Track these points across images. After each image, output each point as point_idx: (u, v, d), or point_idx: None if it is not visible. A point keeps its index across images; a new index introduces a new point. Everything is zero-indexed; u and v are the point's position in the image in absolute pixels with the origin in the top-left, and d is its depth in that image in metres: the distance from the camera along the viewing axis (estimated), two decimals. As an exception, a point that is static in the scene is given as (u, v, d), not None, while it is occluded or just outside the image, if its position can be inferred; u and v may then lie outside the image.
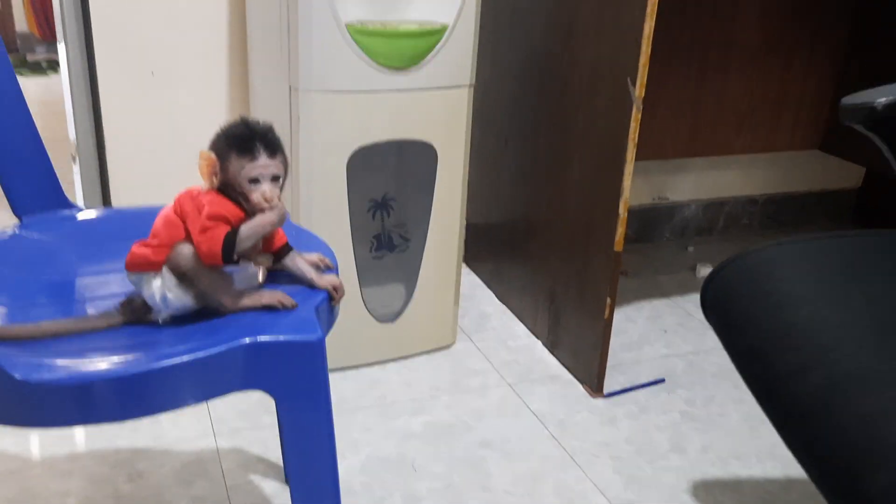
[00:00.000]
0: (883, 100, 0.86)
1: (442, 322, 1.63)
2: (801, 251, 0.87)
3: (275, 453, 1.31)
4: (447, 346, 1.65)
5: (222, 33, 1.66)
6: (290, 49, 1.34)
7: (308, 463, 0.76)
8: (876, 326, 0.74)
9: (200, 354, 0.70)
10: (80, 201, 1.74)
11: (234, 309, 0.78)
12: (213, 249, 0.75)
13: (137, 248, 0.78)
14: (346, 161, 1.40)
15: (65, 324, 0.77)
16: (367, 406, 1.45)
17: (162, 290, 0.77)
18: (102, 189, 1.71)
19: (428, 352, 1.63)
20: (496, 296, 1.87)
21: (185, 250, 0.76)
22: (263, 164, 0.77)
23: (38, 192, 0.97)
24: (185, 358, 0.69)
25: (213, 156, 0.76)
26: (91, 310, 0.80)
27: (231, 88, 1.71)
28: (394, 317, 1.57)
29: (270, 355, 0.73)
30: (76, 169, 1.72)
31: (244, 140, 0.77)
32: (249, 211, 0.78)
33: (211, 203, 0.76)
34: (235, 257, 0.77)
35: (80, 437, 1.34)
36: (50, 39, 4.17)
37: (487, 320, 1.77)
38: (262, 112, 1.59)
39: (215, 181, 0.76)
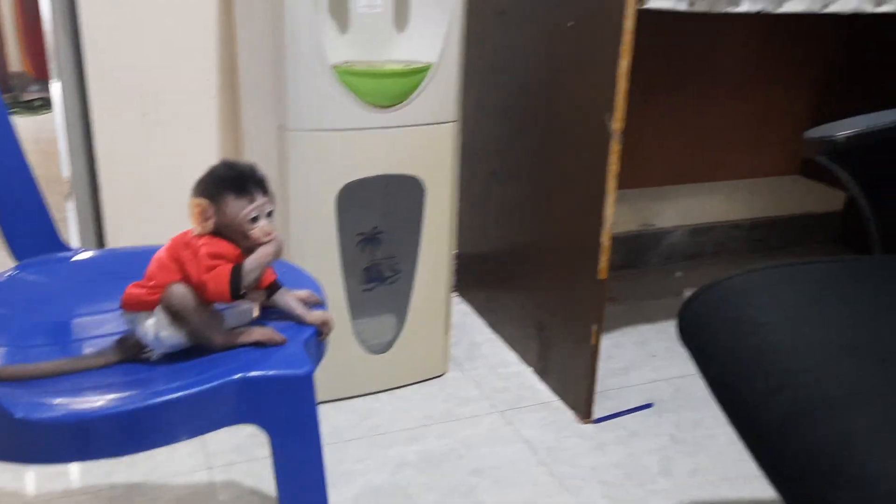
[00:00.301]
0: (843, 133, 0.90)
1: (433, 352, 1.66)
2: (769, 279, 0.91)
3: (269, 485, 1.33)
4: (439, 376, 1.68)
5: (213, 75, 1.71)
6: (280, 90, 1.38)
7: (299, 494, 0.78)
8: (840, 351, 0.77)
9: (194, 390, 0.73)
10: (74, 240, 1.77)
11: (224, 346, 0.81)
12: (221, 287, 0.78)
13: (133, 290, 0.81)
14: (335, 196, 1.44)
15: (63, 363, 0.80)
16: (361, 436, 1.47)
17: (156, 328, 0.80)
18: (97, 228, 1.75)
19: (420, 381, 1.66)
20: (487, 324, 1.90)
21: (178, 290, 0.79)
22: (260, 202, 0.81)
23: (35, 236, 1.00)
24: (180, 394, 0.72)
25: (204, 201, 0.80)
26: (88, 349, 0.83)
27: (223, 129, 1.75)
28: (385, 348, 1.60)
29: (261, 390, 0.76)
30: (71, 207, 1.75)
31: (239, 182, 0.81)
32: (246, 248, 0.81)
33: (207, 244, 0.79)
34: (242, 292, 0.80)
35: (75, 472, 1.36)
36: (43, 78, 4.22)
37: (478, 349, 1.80)
38: (253, 151, 1.63)
39: (208, 225, 0.80)
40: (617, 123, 1.34)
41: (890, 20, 1.85)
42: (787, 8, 1.39)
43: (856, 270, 0.95)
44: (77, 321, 0.90)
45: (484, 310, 1.92)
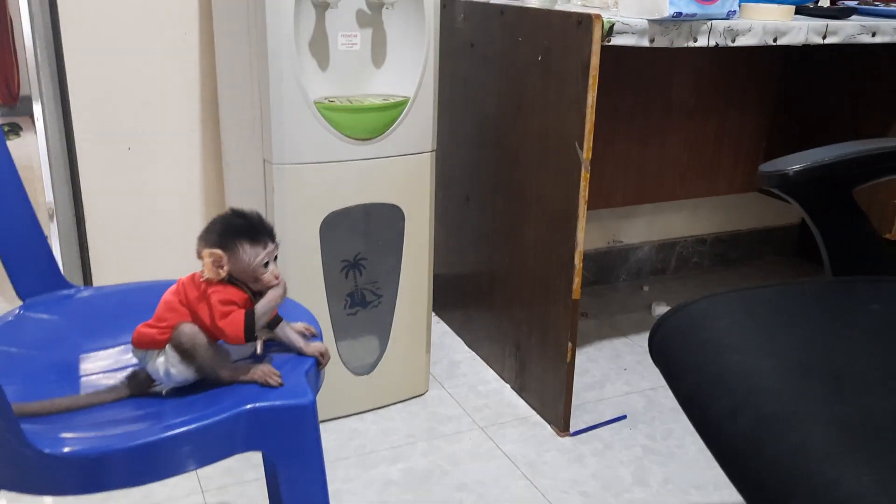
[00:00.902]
0: (795, 167, 0.99)
1: (415, 372, 1.72)
2: (732, 303, 0.99)
3: (262, 507, 1.38)
4: (421, 395, 1.74)
5: (195, 110, 1.76)
6: (263, 126, 1.44)
7: (304, 515, 0.84)
8: (797, 370, 0.85)
9: (205, 422, 0.78)
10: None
11: (231, 381, 0.87)
12: (237, 332, 0.84)
13: (144, 329, 0.86)
14: (318, 225, 1.50)
15: (76, 399, 0.85)
16: (347, 456, 1.53)
17: (165, 365, 0.85)
18: (82, 261, 1.78)
19: (403, 401, 1.71)
20: (465, 343, 1.96)
21: (187, 329, 0.85)
22: (271, 249, 0.88)
23: (39, 274, 1.04)
24: (192, 426, 0.78)
25: (218, 251, 0.85)
26: (99, 384, 0.88)
27: (204, 162, 1.80)
28: (369, 369, 1.65)
29: (268, 419, 0.81)
30: (55, 243, 1.79)
31: (253, 231, 0.87)
32: (255, 291, 0.87)
33: (217, 291, 0.85)
34: (256, 335, 0.86)
35: (70, 499, 1.39)
36: (10, 103, 4.20)
37: (458, 367, 1.86)
38: (235, 184, 1.68)
39: (222, 273, 0.85)
40: (587, 153, 1.42)
41: (834, 51, 1.96)
42: (740, 42, 1.48)
43: (807, 293, 1.03)
44: (85, 358, 0.95)
45: (461, 329, 1.99)
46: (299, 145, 1.44)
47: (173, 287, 0.88)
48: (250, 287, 0.88)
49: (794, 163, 0.99)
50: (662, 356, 0.99)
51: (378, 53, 1.53)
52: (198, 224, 1.83)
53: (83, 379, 0.91)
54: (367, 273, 1.59)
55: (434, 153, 1.58)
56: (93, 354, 0.96)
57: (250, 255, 0.87)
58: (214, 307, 0.84)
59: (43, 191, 1.75)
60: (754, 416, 0.80)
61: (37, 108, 1.69)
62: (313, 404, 0.84)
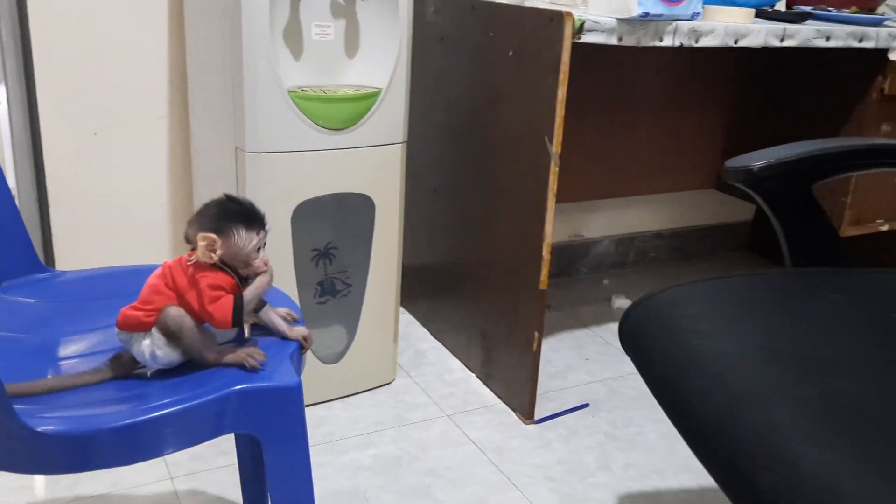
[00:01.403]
0: (759, 163, 1.04)
1: (382, 360, 1.74)
2: (699, 291, 1.03)
3: (232, 492, 1.39)
4: (388, 383, 1.76)
5: (163, 96, 1.75)
6: (236, 113, 1.44)
7: (290, 495, 0.86)
8: (762, 355, 0.90)
9: (195, 402, 0.79)
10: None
11: (216, 363, 0.88)
12: (226, 317, 0.86)
13: (130, 312, 0.87)
14: (290, 214, 1.51)
15: (61, 380, 0.85)
16: (317, 443, 1.54)
17: (151, 348, 0.86)
18: (45, 245, 1.76)
19: (370, 389, 1.73)
20: (430, 333, 1.99)
21: (174, 312, 0.86)
22: (262, 235, 0.89)
23: (17, 257, 1.04)
24: (183, 406, 0.79)
25: (212, 235, 0.86)
26: (82, 366, 0.88)
27: (172, 149, 1.79)
28: (337, 357, 1.67)
29: (256, 401, 0.83)
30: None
31: (249, 217, 0.89)
32: (244, 276, 0.89)
33: (206, 276, 0.86)
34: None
35: (39, 485, 1.38)
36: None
37: (424, 356, 1.89)
38: (204, 171, 1.67)
39: (214, 257, 0.86)
40: (556, 147, 1.46)
41: (790, 54, 2.03)
42: (703, 42, 1.53)
43: (770, 283, 1.08)
44: (67, 340, 0.95)
45: (427, 319, 2.02)
46: (272, 134, 1.44)
47: (158, 270, 0.89)
48: (238, 272, 0.89)
49: (759, 159, 1.04)
50: (633, 343, 1.03)
51: (351, 44, 1.55)
52: (164, 210, 1.82)
53: (66, 361, 0.91)
54: (337, 262, 1.61)
55: (405, 144, 1.60)
56: (74, 337, 0.96)
57: (244, 240, 0.88)
58: (203, 291, 0.85)
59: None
60: (723, 397, 0.85)
61: (1, 91, 1.67)
62: (300, 386, 0.86)
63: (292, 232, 1.52)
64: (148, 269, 1.07)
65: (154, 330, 0.86)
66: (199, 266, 0.87)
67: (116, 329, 0.88)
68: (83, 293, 1.05)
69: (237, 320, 0.86)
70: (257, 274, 0.89)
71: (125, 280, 1.09)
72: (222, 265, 0.88)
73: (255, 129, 1.43)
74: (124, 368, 0.88)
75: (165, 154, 1.79)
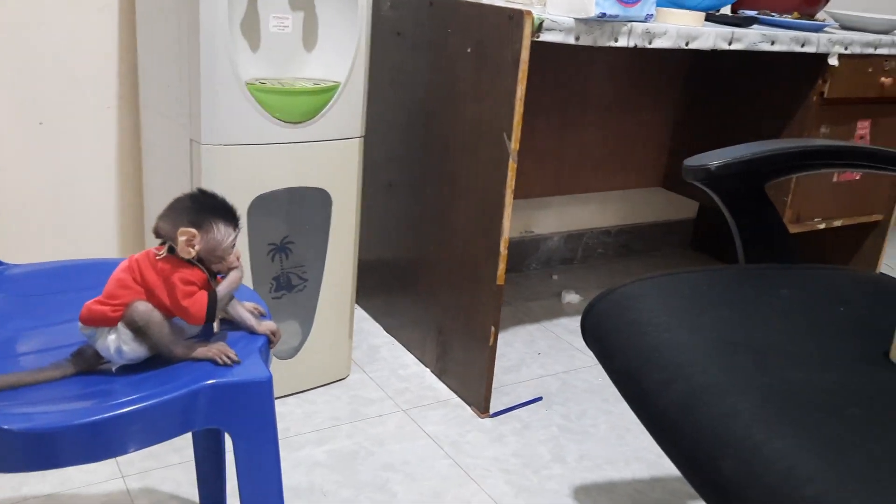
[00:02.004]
0: (716, 162, 1.07)
1: (337, 356, 1.73)
2: (658, 286, 1.06)
3: (188, 490, 1.37)
4: (342, 379, 1.76)
5: (112, 86, 1.70)
6: (192, 105, 1.42)
7: (259, 490, 0.85)
8: (722, 346, 0.93)
9: (165, 398, 0.78)
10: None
11: (184, 358, 0.87)
12: (201, 312, 0.85)
13: (95, 306, 0.85)
14: (246, 208, 1.49)
15: (21, 376, 0.83)
16: (273, 439, 1.53)
17: (117, 343, 0.84)
18: (-14, 238, 1.70)
19: (325, 385, 1.73)
20: (384, 329, 1.99)
21: (141, 307, 0.84)
22: (237, 230, 0.89)
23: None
24: (152, 401, 0.77)
25: (192, 230, 0.85)
26: (41, 362, 0.86)
27: (122, 139, 1.75)
28: (292, 353, 1.66)
29: (227, 395, 0.82)
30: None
31: (228, 211, 0.88)
32: (216, 271, 0.87)
33: (177, 272, 0.85)
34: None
35: (-16, 489, 1.34)
36: None
37: (378, 352, 1.89)
38: (157, 163, 1.64)
39: (192, 252, 0.85)
40: (515, 144, 1.48)
41: (735, 57, 2.10)
42: (657, 44, 1.57)
43: (726, 279, 1.12)
44: (24, 335, 0.92)
45: (380, 314, 2.02)
46: (229, 126, 1.43)
47: (125, 264, 0.87)
48: (209, 268, 0.88)
49: (716, 158, 1.07)
50: (595, 336, 1.05)
51: (309, 37, 1.54)
52: (113, 203, 1.78)
53: (24, 357, 0.89)
54: (293, 257, 1.60)
55: (363, 139, 1.60)
56: (31, 332, 0.93)
57: (224, 234, 0.87)
58: (176, 286, 0.84)
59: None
60: (686, 387, 0.87)
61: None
62: (270, 380, 0.85)
63: (248, 226, 1.50)
64: (101, 263, 1.05)
65: (120, 325, 0.84)
66: (170, 260, 0.85)
67: (80, 324, 0.86)
68: (36, 288, 1.02)
69: (211, 316, 0.85)
70: (230, 269, 0.88)
71: (78, 274, 1.06)
72: (193, 261, 0.87)
73: (212, 121, 1.41)
74: (87, 364, 0.86)
75: (114, 145, 1.75)
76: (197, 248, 0.85)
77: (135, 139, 1.76)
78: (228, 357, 0.86)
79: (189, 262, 0.86)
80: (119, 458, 1.44)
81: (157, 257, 0.85)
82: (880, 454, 0.78)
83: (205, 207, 0.87)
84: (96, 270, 1.06)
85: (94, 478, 1.38)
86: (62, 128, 1.68)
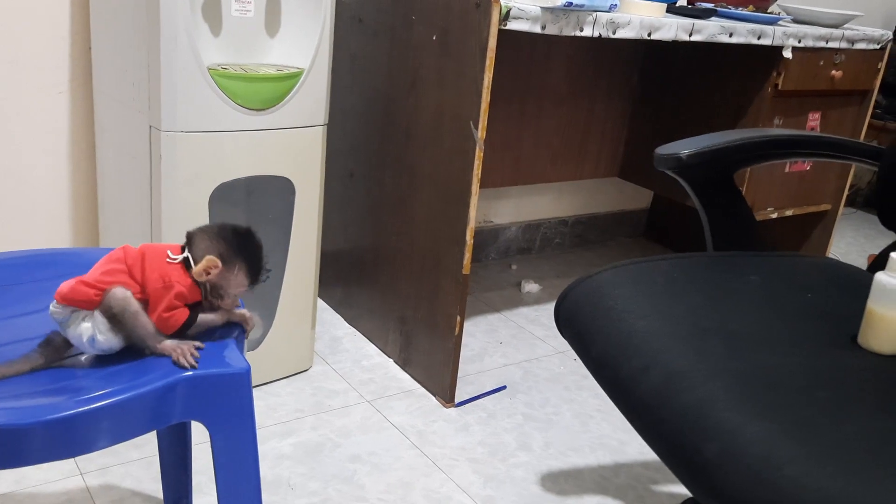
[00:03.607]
0: (686, 151, 1.08)
1: (300, 347, 1.71)
2: (630, 273, 1.07)
3: (149, 486, 1.34)
4: (305, 370, 1.73)
5: (64, 71, 1.64)
6: (151, 90, 1.38)
7: (238, 479, 0.83)
8: (696, 332, 0.95)
9: (142, 390, 0.76)
10: None
11: (159, 352, 0.84)
12: (173, 328, 0.84)
13: (80, 286, 0.81)
14: (208, 197, 1.46)
15: (-11, 371, 0.79)
16: (236, 433, 1.50)
17: (92, 331, 0.81)
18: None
19: (287, 377, 1.70)
20: (345, 320, 1.97)
21: (119, 294, 0.81)
22: (252, 288, 0.89)
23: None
24: (128, 395, 0.75)
25: (218, 261, 0.84)
26: (8, 355, 0.82)
27: (74, 126, 1.69)
28: (255, 345, 1.63)
29: (205, 387, 0.80)
30: None
31: (257, 267, 0.88)
32: (209, 303, 0.87)
33: (180, 283, 0.84)
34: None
35: (-67, 489, 1.28)
36: None
37: (340, 343, 1.87)
38: (112, 150, 1.59)
39: (205, 277, 0.84)
40: (482, 132, 1.47)
41: (690, 49, 2.13)
42: (620, 34, 1.58)
43: (695, 266, 1.14)
44: (-15, 328, 0.88)
45: (341, 306, 2.00)
46: (190, 112, 1.39)
47: (119, 252, 0.85)
48: (208, 297, 0.87)
49: (687, 147, 1.09)
50: (569, 325, 1.06)
51: (272, 23, 1.50)
52: (65, 192, 1.72)
53: (-12, 350, 0.85)
54: (255, 247, 1.56)
55: (326, 127, 1.58)
56: (-7, 325, 0.89)
57: (239, 283, 0.87)
58: (170, 298, 0.83)
59: None
60: (663, 373, 0.89)
61: None
62: (248, 372, 0.83)
63: (210, 215, 1.47)
64: (58, 254, 1.02)
65: (96, 312, 0.81)
66: (178, 269, 0.84)
67: (55, 303, 0.82)
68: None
69: (179, 335, 0.84)
70: (219, 308, 0.88)
71: (34, 265, 1.02)
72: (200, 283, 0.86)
73: (172, 107, 1.37)
74: (57, 353, 0.83)
75: (66, 131, 1.69)
76: (210, 278, 0.85)
77: (88, 125, 1.70)
78: (186, 359, 0.83)
79: (194, 279, 0.85)
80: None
81: (170, 260, 0.83)
82: (852, 434, 0.81)
83: (241, 249, 0.87)
84: (52, 261, 1.02)
85: (51, 475, 1.34)
86: (9, 112, 1.61)
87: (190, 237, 0.88)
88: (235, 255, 0.87)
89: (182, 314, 0.84)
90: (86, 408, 0.74)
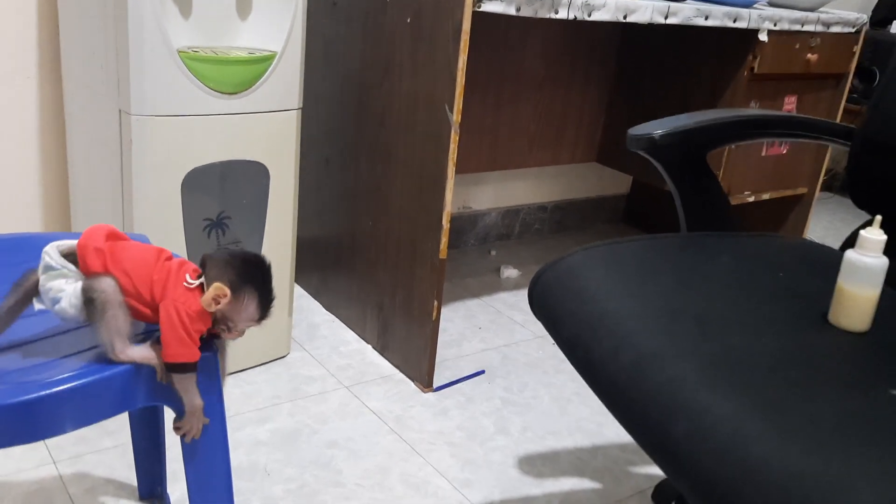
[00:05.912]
0: (659, 131, 1.08)
1: (277, 334, 1.70)
2: (602, 255, 1.07)
3: (122, 474, 1.32)
4: (282, 357, 1.72)
5: (32, 53, 1.62)
6: (120, 74, 1.36)
7: (208, 466, 0.82)
8: (666, 314, 0.94)
9: (106, 373, 0.75)
10: None
11: (121, 357, 0.79)
12: (178, 361, 0.80)
13: (92, 248, 0.79)
14: (180, 182, 1.44)
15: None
16: (212, 420, 1.49)
17: (69, 297, 0.78)
18: None
19: (264, 363, 1.69)
20: (323, 306, 1.96)
21: (108, 284, 0.78)
22: (259, 322, 0.86)
23: None
24: (92, 378, 0.74)
25: (229, 291, 0.81)
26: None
27: (42, 111, 1.66)
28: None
29: (170, 370, 0.79)
30: None
31: (267, 301, 0.85)
32: (217, 325, 0.85)
33: (192, 307, 0.81)
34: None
35: None
36: None
37: (317, 329, 1.86)
38: (82, 136, 1.57)
39: (213, 307, 0.81)
40: (457, 116, 1.46)
41: (666, 33, 2.13)
42: (595, 17, 1.58)
43: (667, 247, 1.14)
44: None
45: (318, 292, 1.98)
46: (161, 96, 1.37)
47: (156, 251, 0.83)
48: (216, 325, 0.85)
49: (660, 127, 1.08)
50: (543, 306, 1.06)
51: (244, 5, 1.48)
52: (35, 177, 1.70)
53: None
54: (230, 233, 1.55)
55: (300, 111, 1.56)
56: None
57: (247, 316, 0.85)
58: (184, 321, 0.80)
59: None
60: (634, 354, 0.88)
61: None
62: (215, 354, 0.82)
63: (182, 201, 1.45)
64: (31, 238, 1.00)
65: (80, 283, 0.79)
66: (194, 295, 0.81)
67: (55, 245, 0.80)
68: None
69: (176, 370, 0.80)
70: (221, 336, 0.86)
71: (4, 250, 1.01)
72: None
73: (142, 90, 1.35)
74: (26, 294, 0.80)
75: (35, 117, 1.66)
76: (219, 308, 0.82)
77: (58, 110, 1.67)
78: (194, 433, 0.81)
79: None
80: (49, 443, 1.38)
81: (187, 285, 0.81)
82: (820, 413, 0.81)
83: (252, 281, 0.84)
84: (24, 245, 1.01)
85: (23, 464, 1.32)
86: (-22, 98, 1.59)
87: (204, 262, 0.84)
88: (246, 284, 0.84)
89: (193, 352, 0.80)
90: (48, 391, 0.72)
